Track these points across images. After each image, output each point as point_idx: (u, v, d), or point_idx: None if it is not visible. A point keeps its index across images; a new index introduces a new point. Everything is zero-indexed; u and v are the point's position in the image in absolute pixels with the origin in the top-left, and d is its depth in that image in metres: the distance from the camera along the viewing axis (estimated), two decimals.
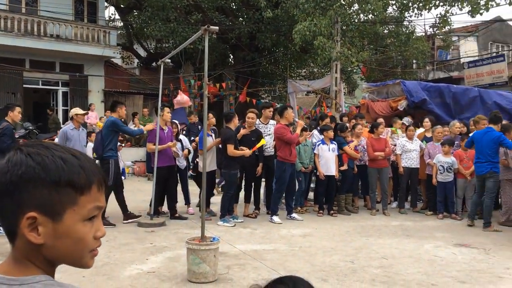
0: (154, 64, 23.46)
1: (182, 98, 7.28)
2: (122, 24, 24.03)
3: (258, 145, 7.43)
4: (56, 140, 8.34)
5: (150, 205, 7.42)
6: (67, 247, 0.90)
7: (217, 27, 4.80)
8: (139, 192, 10.07)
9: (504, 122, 8.19)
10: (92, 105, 15.50)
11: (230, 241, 6.08)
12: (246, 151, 7.27)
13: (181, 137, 8.38)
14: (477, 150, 7.45)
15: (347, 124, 9.00)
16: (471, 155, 8.14)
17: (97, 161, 6.66)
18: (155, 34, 18.28)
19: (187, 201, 8.18)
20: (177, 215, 7.58)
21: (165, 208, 7.90)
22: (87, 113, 8.11)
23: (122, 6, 22.72)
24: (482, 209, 7.75)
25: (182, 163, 8.12)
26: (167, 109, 7.57)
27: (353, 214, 8.38)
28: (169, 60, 7.64)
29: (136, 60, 25.90)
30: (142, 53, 24.59)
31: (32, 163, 0.87)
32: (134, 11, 22.53)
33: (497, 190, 7.69)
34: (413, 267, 5.03)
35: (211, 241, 4.55)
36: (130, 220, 7.11)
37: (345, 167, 8.32)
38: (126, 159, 13.94)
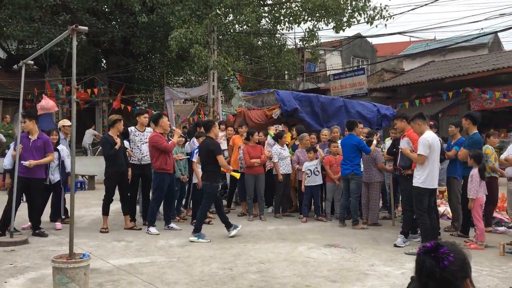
0: (15, 66, 21.43)
1: (47, 103, 6.58)
2: None
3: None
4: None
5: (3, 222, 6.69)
6: None
7: (86, 27, 4.48)
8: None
9: (366, 129, 8.99)
10: None
11: (103, 256, 5.72)
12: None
13: (60, 147, 7.77)
14: (343, 154, 8.11)
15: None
16: (340, 160, 8.75)
17: None
18: (17, 34, 16.68)
19: (58, 215, 7.68)
20: (37, 231, 6.95)
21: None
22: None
23: None
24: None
25: (54, 176, 7.59)
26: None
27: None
28: (32, 62, 6.89)
29: None
30: (2, 54, 22.33)
31: None
32: None
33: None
34: (289, 270, 5.20)
35: (80, 258, 4.21)
36: None
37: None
38: None
